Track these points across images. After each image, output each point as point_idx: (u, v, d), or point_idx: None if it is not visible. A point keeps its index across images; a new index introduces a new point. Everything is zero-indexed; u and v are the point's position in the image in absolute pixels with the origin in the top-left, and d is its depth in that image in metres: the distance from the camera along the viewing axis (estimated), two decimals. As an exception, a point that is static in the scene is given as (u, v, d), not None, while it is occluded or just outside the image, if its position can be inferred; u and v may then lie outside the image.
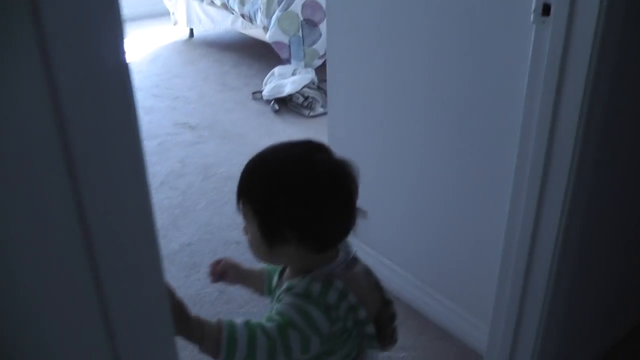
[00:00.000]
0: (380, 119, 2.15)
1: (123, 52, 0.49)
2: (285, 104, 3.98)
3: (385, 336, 1.29)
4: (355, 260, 1.29)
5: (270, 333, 1.14)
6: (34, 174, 0.50)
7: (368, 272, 1.30)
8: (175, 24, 5.45)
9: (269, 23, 4.27)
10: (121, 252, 0.58)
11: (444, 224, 2.08)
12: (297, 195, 1.17)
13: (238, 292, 2.37)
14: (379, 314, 1.29)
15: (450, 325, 2.18)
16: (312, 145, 1.25)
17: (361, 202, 1.22)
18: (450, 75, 1.85)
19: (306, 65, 4.16)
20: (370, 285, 1.29)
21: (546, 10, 1.48)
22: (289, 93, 3.91)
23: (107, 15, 0.49)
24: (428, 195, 2.09)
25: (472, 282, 2.05)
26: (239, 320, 1.15)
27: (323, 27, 4.05)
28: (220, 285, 2.41)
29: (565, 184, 1.56)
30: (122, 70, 0.51)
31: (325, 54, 4.04)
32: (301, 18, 4.12)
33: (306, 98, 3.90)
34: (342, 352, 1.26)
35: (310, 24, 4.11)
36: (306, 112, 3.88)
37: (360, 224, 1.22)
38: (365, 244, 2.35)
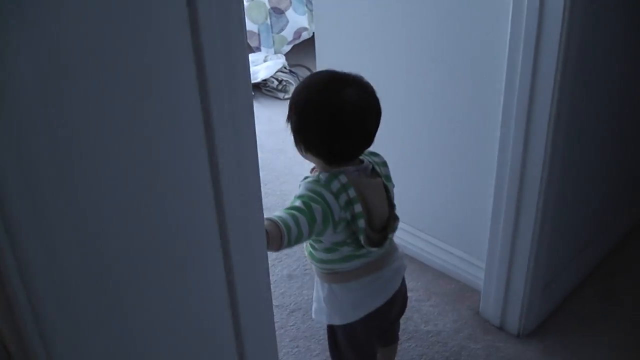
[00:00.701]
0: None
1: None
2: (259, 89, 4.22)
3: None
4: (375, 173, 1.65)
5: (301, 209, 1.49)
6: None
7: (386, 189, 1.65)
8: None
9: (237, 13, 4.48)
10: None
11: (436, 170, 2.34)
12: (311, 124, 1.57)
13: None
14: (387, 223, 1.64)
15: (448, 267, 2.46)
16: (346, 80, 1.59)
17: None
18: (438, 32, 2.12)
19: (276, 52, 4.42)
20: (381, 197, 1.63)
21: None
22: (264, 78, 4.17)
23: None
24: (419, 143, 2.35)
25: (466, 224, 2.34)
26: (277, 213, 1.50)
27: (289, 14, 4.30)
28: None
29: (546, 124, 1.85)
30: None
31: (293, 39, 4.28)
32: (268, 7, 4.37)
33: (280, 82, 4.16)
34: (332, 239, 1.60)
35: (277, 12, 4.36)
36: (281, 95, 4.16)
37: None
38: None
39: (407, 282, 1.82)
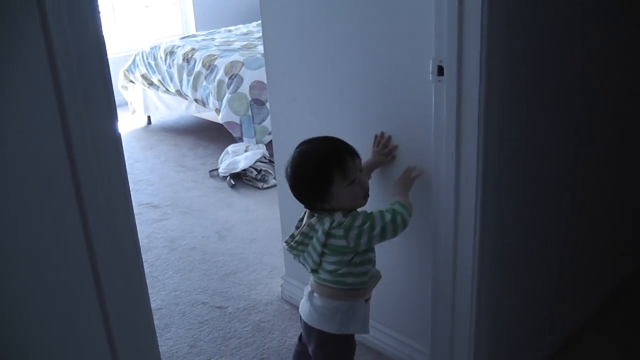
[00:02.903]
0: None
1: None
2: (240, 179, 4.28)
3: None
4: None
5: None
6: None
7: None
8: (133, 112, 5.78)
9: (221, 105, 4.61)
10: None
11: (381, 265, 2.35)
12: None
13: (207, 346, 2.61)
14: None
15: (398, 355, 2.42)
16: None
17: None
18: (374, 129, 2.16)
19: (257, 142, 4.49)
20: None
21: (441, 71, 1.82)
22: (243, 168, 4.22)
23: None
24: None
25: (411, 311, 2.31)
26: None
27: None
28: (190, 341, 2.65)
29: (473, 206, 1.87)
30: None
31: (274, 129, 4.37)
32: (250, 98, 4.48)
33: (259, 172, 4.22)
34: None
35: (258, 103, 4.46)
36: (260, 184, 4.19)
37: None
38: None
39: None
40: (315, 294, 1.97)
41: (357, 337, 2.07)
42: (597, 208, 2.57)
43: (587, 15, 2.15)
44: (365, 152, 2.13)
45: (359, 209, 1.89)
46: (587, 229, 2.54)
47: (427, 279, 2.14)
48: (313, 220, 1.88)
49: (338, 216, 1.83)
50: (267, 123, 4.43)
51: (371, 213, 1.85)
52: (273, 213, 3.03)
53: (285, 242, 1.98)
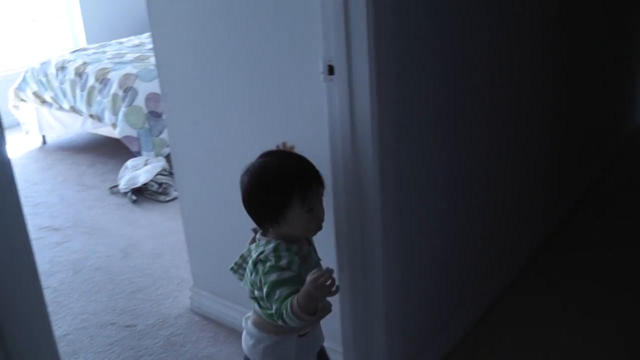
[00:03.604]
0: (223, 193, 2.42)
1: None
2: (141, 194, 4.19)
3: None
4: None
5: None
6: None
7: None
8: (27, 133, 5.55)
9: (117, 120, 4.50)
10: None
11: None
12: None
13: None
14: None
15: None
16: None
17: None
18: (271, 137, 2.15)
19: (156, 155, 4.41)
20: None
21: (331, 70, 1.83)
22: (144, 182, 4.14)
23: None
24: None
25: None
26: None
27: (168, 116, 4.33)
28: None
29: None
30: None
31: (173, 140, 4.30)
32: (146, 111, 4.39)
33: (160, 185, 4.14)
34: None
35: (155, 116, 4.38)
36: (162, 197, 4.12)
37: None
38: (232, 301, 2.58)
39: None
40: (249, 320, 1.84)
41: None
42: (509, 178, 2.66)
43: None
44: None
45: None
46: (498, 204, 2.62)
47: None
48: (253, 245, 1.75)
49: (269, 250, 1.66)
50: (165, 135, 4.36)
51: (280, 288, 1.62)
52: (177, 225, 2.99)
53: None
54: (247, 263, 1.74)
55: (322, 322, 2.29)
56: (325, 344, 2.33)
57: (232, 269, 1.80)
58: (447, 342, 2.46)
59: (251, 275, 1.70)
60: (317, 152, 2.00)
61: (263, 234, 1.74)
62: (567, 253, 3.22)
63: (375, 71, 1.77)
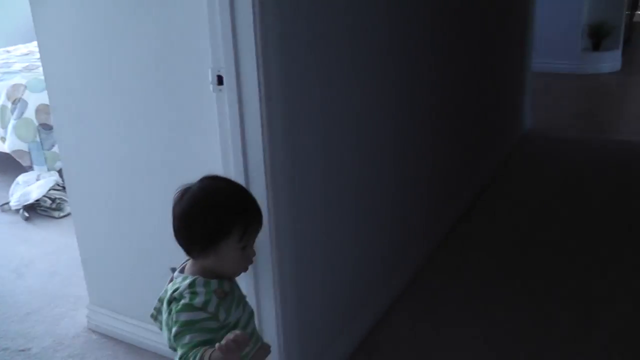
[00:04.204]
0: (117, 206, 2.36)
1: None
2: (34, 210, 4.04)
3: None
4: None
5: None
6: None
7: None
8: None
9: (6, 133, 4.32)
10: None
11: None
12: None
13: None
14: None
15: None
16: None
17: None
18: (164, 147, 2.12)
19: (49, 169, 4.26)
20: None
21: (220, 80, 1.82)
22: (36, 198, 3.99)
23: None
24: (154, 254, 2.32)
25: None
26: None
27: (60, 129, 4.18)
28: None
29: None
30: None
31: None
32: (37, 123, 4.23)
33: (53, 200, 4.00)
34: None
35: (46, 128, 4.23)
36: (56, 213, 3.97)
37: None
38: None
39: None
40: None
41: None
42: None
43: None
44: (155, 162, 2.09)
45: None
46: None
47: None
48: (170, 284, 1.53)
49: (184, 286, 1.48)
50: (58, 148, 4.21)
51: (192, 333, 1.43)
52: (73, 242, 2.88)
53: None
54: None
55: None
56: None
57: (152, 315, 1.59)
58: (348, 343, 2.48)
59: (166, 316, 1.50)
60: (210, 162, 1.98)
61: (181, 271, 1.55)
62: (459, 255, 3.32)
63: (264, 79, 1.77)
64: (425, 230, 3.23)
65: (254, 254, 1.54)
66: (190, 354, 1.39)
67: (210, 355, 1.35)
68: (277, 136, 1.85)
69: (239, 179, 1.89)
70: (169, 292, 1.50)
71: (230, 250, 1.48)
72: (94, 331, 2.75)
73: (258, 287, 2.02)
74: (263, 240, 1.93)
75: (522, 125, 5.26)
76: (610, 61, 7.80)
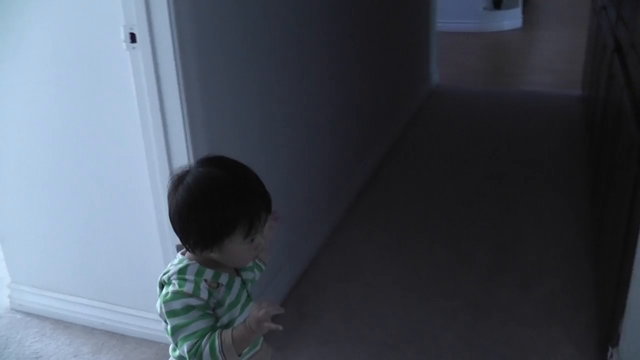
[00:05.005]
0: (33, 179, 2.30)
1: None
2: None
3: None
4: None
5: None
6: None
7: None
8: None
9: None
10: None
11: (98, 241, 2.29)
12: None
13: None
14: None
15: (143, 332, 2.39)
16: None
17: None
18: (79, 112, 2.08)
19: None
20: None
21: (133, 38, 1.79)
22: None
23: None
24: (73, 224, 2.30)
25: (142, 283, 2.28)
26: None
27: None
28: None
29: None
30: None
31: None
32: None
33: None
34: None
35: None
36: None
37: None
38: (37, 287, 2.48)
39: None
40: None
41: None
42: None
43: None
44: (71, 128, 2.05)
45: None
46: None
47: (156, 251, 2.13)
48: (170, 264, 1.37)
49: (174, 270, 1.32)
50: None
51: (196, 321, 1.29)
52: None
53: None
54: None
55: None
56: (151, 316, 2.28)
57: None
58: (273, 297, 2.51)
59: (159, 301, 1.33)
60: (129, 122, 1.96)
61: (183, 253, 1.38)
62: (376, 209, 3.41)
63: (178, 35, 1.75)
64: (344, 182, 3.30)
65: (263, 241, 1.35)
66: (203, 342, 1.26)
67: (232, 333, 1.26)
68: (195, 92, 1.85)
69: (158, 138, 1.88)
70: (161, 274, 1.34)
71: (236, 245, 1.31)
72: (17, 310, 2.68)
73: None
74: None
75: (430, 81, 5.39)
76: (511, 19, 8.08)
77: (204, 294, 1.28)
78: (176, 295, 1.27)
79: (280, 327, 1.25)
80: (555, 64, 6.33)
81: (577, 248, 2.87)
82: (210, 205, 1.27)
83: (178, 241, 1.33)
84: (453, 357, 2.24)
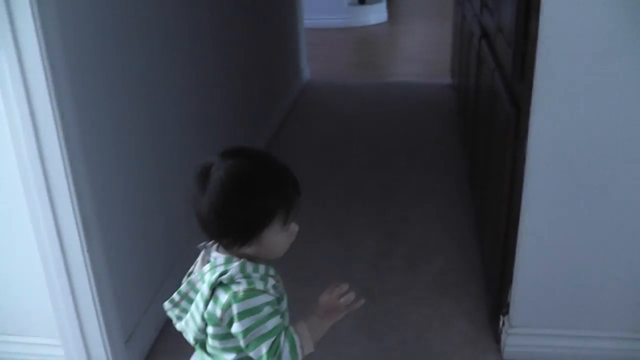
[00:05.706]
0: None
1: None
2: None
3: None
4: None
5: None
6: None
7: None
8: None
9: None
10: None
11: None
12: None
13: None
14: None
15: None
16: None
17: None
18: None
19: None
20: None
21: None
22: None
23: None
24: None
25: (31, 308, 2.15)
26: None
27: None
28: None
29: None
30: None
31: None
32: None
33: None
34: None
35: None
36: None
37: None
38: None
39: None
40: None
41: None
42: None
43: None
44: None
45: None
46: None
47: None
48: (207, 267, 1.29)
49: (235, 269, 1.24)
50: None
51: (272, 318, 1.25)
52: None
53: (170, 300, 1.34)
54: (197, 292, 1.29)
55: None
56: (44, 341, 2.16)
57: (171, 301, 1.33)
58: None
59: (205, 305, 1.25)
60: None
61: (217, 249, 1.31)
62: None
63: (44, 38, 1.66)
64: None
65: (296, 227, 1.34)
66: (280, 340, 1.24)
67: (307, 326, 1.30)
68: (65, 95, 1.76)
69: (30, 145, 1.78)
70: (213, 276, 1.24)
71: (274, 235, 1.28)
72: None
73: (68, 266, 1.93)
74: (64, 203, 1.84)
75: (302, 77, 5.42)
76: (376, 13, 8.29)
77: (272, 290, 1.27)
78: (250, 293, 1.22)
79: (363, 300, 1.33)
80: (423, 54, 6.55)
81: (462, 227, 2.98)
82: (248, 198, 1.24)
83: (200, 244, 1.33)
84: (351, 345, 2.25)
